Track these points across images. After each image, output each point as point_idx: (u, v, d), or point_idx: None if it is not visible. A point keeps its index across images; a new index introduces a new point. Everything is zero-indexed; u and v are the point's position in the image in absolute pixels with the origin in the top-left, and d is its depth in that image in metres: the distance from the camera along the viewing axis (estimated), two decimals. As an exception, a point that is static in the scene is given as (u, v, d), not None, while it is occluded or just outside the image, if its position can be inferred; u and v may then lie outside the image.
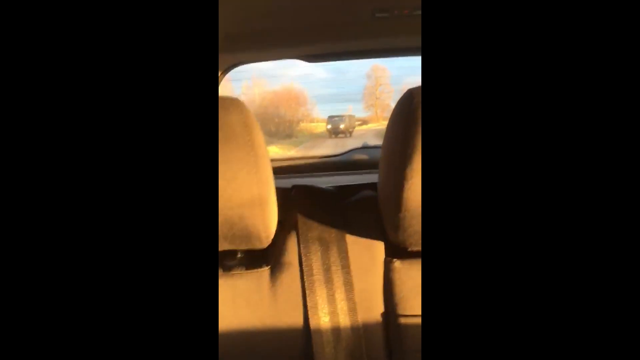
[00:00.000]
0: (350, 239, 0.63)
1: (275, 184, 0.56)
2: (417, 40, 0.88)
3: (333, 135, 15.74)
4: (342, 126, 15.70)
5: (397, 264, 0.61)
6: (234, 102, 0.50)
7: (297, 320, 0.59)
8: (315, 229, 0.64)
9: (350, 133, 15.76)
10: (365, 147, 1.25)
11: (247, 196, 0.48)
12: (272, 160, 0.58)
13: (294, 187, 0.73)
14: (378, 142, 0.99)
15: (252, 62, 1.04)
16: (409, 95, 0.51)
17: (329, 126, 15.79)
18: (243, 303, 0.60)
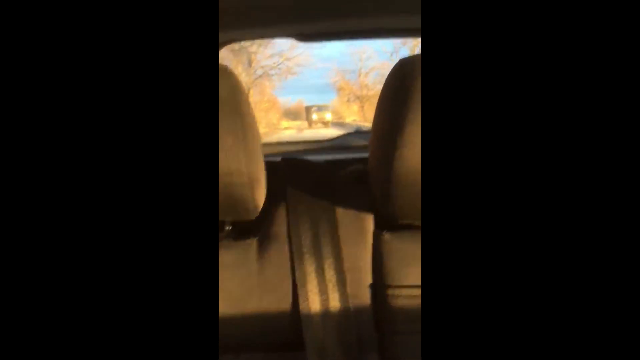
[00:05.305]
0: (339, 211, 0.63)
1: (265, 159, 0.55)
2: (417, 21, 0.86)
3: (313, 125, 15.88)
4: (315, 117, 15.88)
5: (386, 236, 0.61)
6: (222, 68, 0.49)
7: (284, 293, 0.59)
8: (304, 202, 0.64)
9: (327, 123, 15.81)
10: (358, 132, 1.26)
11: (234, 165, 0.47)
12: (264, 144, 0.57)
13: (284, 159, 0.72)
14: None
15: (245, 39, 1.02)
16: (400, 65, 0.51)
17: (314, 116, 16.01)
18: (229, 275, 0.59)
